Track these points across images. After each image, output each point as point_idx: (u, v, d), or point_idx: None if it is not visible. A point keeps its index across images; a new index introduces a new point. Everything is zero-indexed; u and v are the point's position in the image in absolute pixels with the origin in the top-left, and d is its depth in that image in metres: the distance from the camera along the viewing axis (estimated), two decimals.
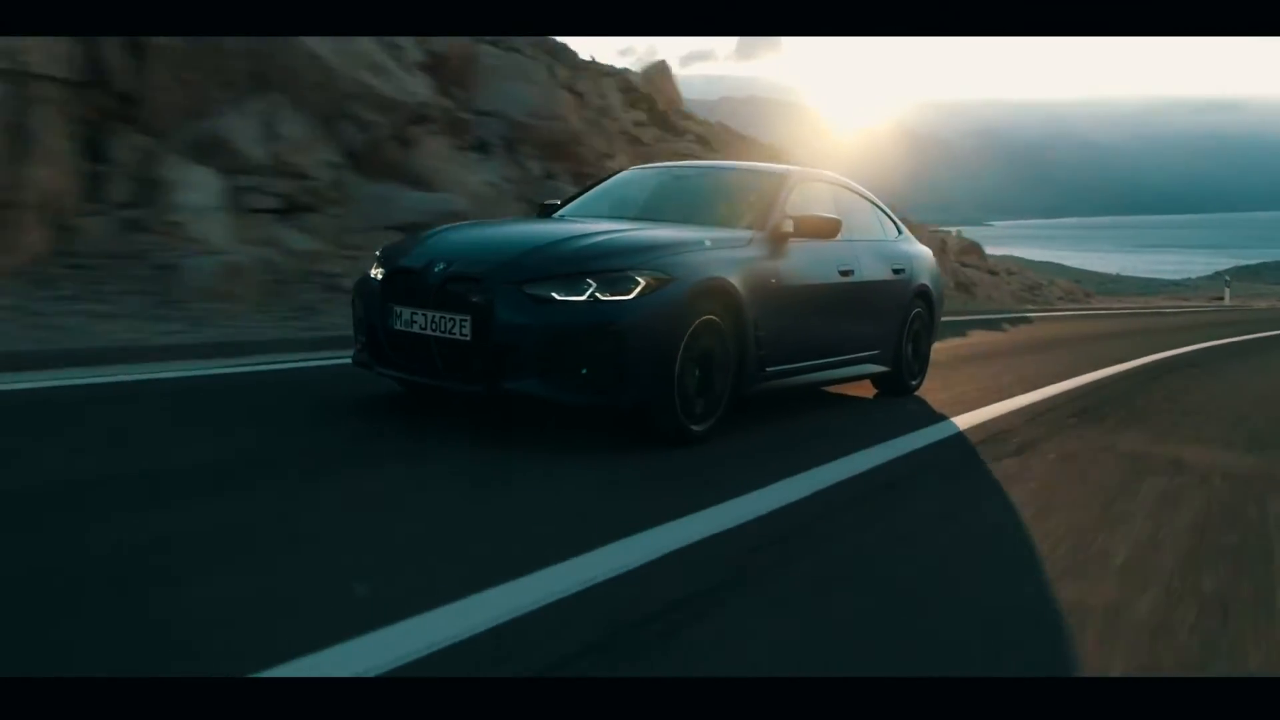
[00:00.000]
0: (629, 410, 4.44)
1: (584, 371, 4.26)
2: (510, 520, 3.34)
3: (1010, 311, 21.38)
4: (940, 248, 30.95)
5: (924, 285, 6.81)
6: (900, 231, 6.98)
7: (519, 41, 15.10)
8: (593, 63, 19.92)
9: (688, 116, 22.82)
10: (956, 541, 3.59)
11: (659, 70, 23.70)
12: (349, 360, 5.08)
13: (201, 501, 3.27)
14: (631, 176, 6.61)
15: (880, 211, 6.87)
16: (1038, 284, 36.22)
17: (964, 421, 5.81)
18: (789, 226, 5.37)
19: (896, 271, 6.50)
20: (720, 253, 4.86)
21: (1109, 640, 2.69)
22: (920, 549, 3.43)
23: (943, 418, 5.90)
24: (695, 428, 4.63)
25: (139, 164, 8.96)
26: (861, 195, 6.74)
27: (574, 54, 18.91)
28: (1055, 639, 2.67)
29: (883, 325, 6.34)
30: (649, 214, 5.81)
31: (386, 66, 11.54)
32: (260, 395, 5.34)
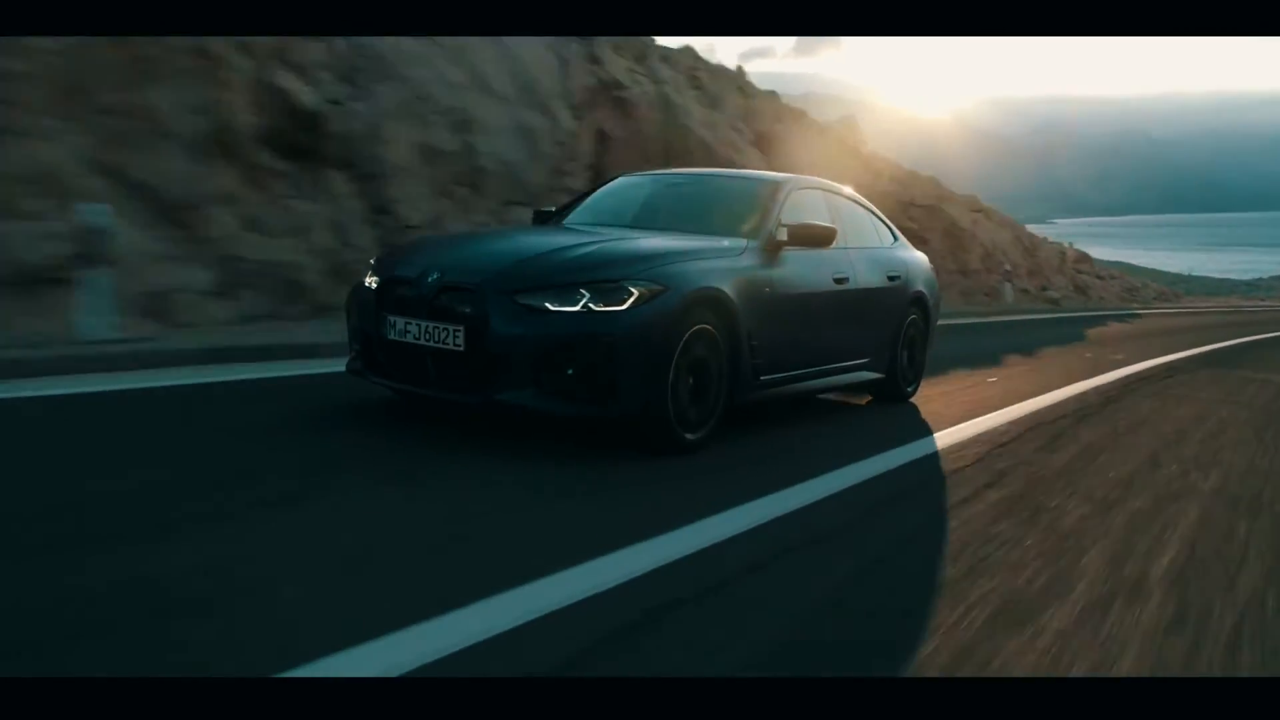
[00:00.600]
0: (622, 420, 4.43)
1: (570, 372, 4.25)
2: (502, 532, 3.34)
3: (1121, 309, 29.03)
4: (1060, 259, 32.85)
5: (919, 292, 6.81)
6: (896, 238, 6.98)
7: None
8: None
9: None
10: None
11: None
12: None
13: None
14: (625, 184, 6.59)
15: (876, 218, 6.86)
16: (1135, 286, 45.19)
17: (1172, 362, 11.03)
18: (783, 235, 5.37)
19: (892, 279, 6.49)
20: (714, 262, 4.85)
21: None
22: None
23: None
24: (689, 436, 4.62)
25: None
26: (857, 202, 6.74)
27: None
28: None
29: (878, 332, 6.34)
30: (643, 222, 5.81)
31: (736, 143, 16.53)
32: None
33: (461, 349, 4.31)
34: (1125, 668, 2.56)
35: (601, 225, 5.73)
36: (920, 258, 7.13)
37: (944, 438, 5.55)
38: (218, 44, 8.47)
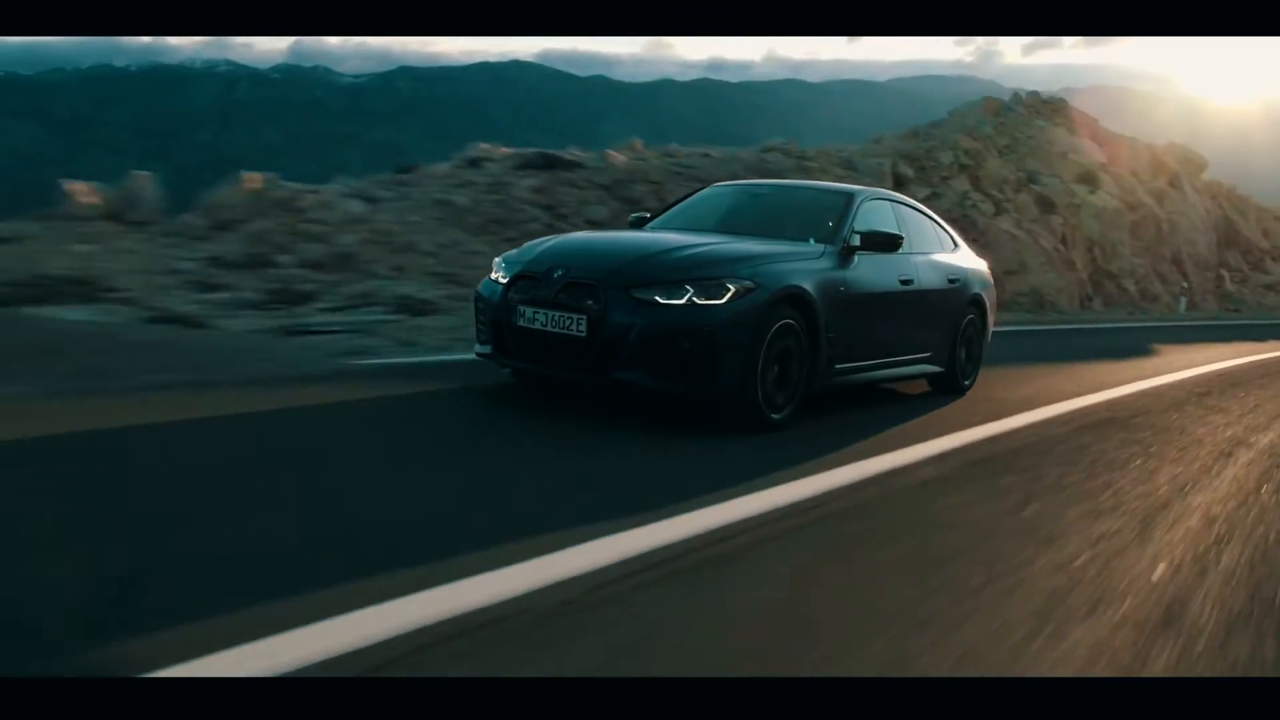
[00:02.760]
0: (719, 399, 5.13)
1: (675, 356, 4.94)
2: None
3: None
4: None
5: (977, 294, 7.51)
6: (957, 246, 7.68)
7: None
8: None
9: None
10: None
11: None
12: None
13: None
14: (713, 193, 7.31)
15: (939, 227, 7.57)
16: None
17: None
18: (856, 240, 6.05)
19: (952, 281, 7.18)
20: (797, 264, 5.56)
21: None
22: None
23: None
24: (775, 416, 5.32)
25: None
26: (922, 213, 7.44)
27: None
28: None
29: (938, 330, 7.01)
30: (730, 227, 6.46)
31: None
32: None
33: (584, 335, 5.01)
34: None
35: (692, 230, 6.39)
36: (979, 263, 7.86)
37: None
38: None
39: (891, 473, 4.62)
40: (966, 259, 7.69)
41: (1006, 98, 26.42)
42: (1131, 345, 13.33)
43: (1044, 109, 26.21)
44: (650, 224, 6.90)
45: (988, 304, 7.73)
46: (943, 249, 7.41)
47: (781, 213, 6.74)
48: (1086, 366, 10.10)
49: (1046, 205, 21.98)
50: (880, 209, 6.74)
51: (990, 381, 7.81)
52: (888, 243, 6.23)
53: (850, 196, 6.56)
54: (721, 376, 5.02)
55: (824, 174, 17.39)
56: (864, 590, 3.06)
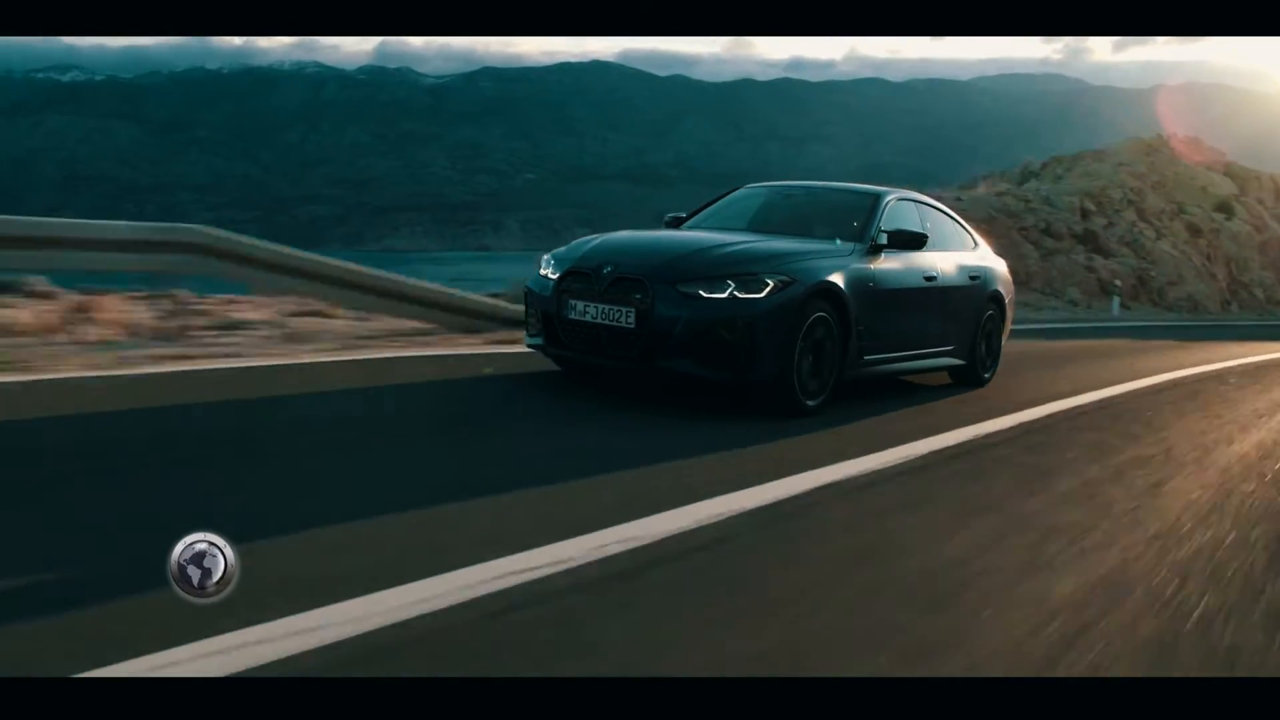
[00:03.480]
0: (757, 385, 5.54)
1: (717, 345, 5.36)
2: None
3: None
4: None
5: (997, 291, 7.84)
6: (977, 244, 8.00)
7: None
8: None
9: None
10: None
11: None
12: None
13: None
14: (746, 194, 7.73)
15: (960, 226, 7.89)
16: None
17: None
18: (883, 239, 6.43)
19: (973, 278, 7.52)
20: (830, 260, 5.94)
21: None
22: None
23: None
24: (809, 403, 5.71)
25: None
26: (944, 213, 7.78)
27: None
28: None
29: (960, 324, 7.36)
30: (763, 226, 6.89)
31: None
32: None
33: (632, 326, 5.45)
34: None
35: (726, 229, 6.80)
36: (998, 261, 8.17)
37: None
38: None
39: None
40: (986, 257, 8.02)
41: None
42: (1263, 333, 18.66)
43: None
44: (686, 224, 7.31)
45: (1006, 300, 8.05)
46: (964, 247, 7.75)
47: (812, 212, 7.16)
48: (1235, 344, 14.58)
49: (1194, 230, 29.36)
50: (905, 209, 7.10)
51: (1187, 348, 12.81)
52: (913, 241, 6.60)
53: (877, 197, 6.92)
54: (760, 365, 5.43)
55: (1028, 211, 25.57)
56: None
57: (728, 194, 7.86)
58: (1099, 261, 25.37)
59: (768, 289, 5.45)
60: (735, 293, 5.41)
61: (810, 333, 5.62)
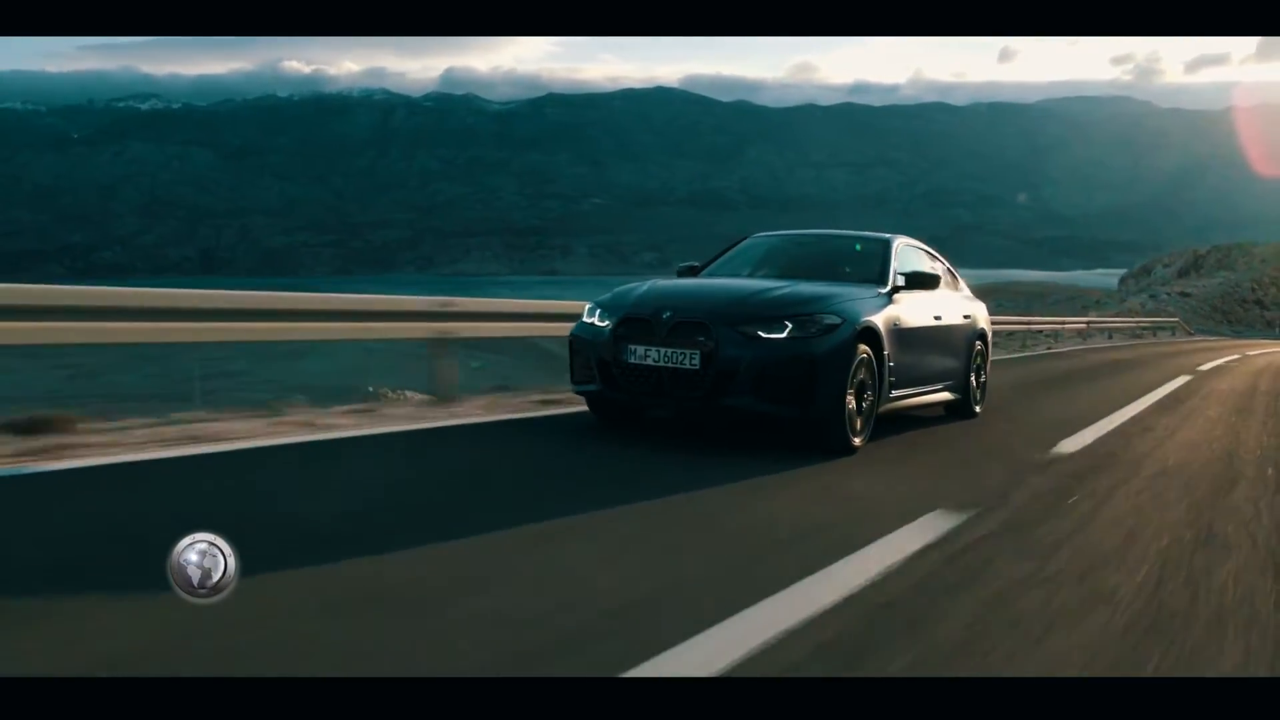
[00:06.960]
0: (814, 422, 5.82)
1: (779, 383, 5.62)
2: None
3: None
4: None
5: (982, 329, 8.37)
6: (959, 285, 8.44)
7: None
8: None
9: None
10: None
11: None
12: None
13: None
14: (758, 243, 8.03)
15: (947, 269, 8.23)
16: None
17: None
18: (901, 280, 6.79)
19: (965, 317, 8.01)
20: (866, 302, 6.25)
21: None
22: None
23: None
24: (856, 440, 6.01)
25: None
26: (935, 256, 8.14)
27: None
28: None
29: (958, 359, 7.79)
30: (788, 272, 7.13)
31: None
32: None
33: (697, 367, 5.73)
34: None
35: (748, 276, 7.13)
36: (979, 302, 8.68)
37: None
38: None
39: None
40: (972, 298, 8.53)
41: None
42: None
43: None
44: (702, 273, 7.55)
45: (989, 337, 8.57)
46: (955, 288, 8.19)
47: (828, 258, 7.54)
48: None
49: None
50: (911, 252, 7.51)
51: None
52: (928, 282, 7.00)
53: (886, 243, 7.28)
54: (819, 401, 5.71)
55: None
56: None
57: (736, 244, 8.09)
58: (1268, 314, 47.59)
59: (823, 329, 5.75)
60: (794, 333, 5.69)
61: (857, 370, 5.91)
